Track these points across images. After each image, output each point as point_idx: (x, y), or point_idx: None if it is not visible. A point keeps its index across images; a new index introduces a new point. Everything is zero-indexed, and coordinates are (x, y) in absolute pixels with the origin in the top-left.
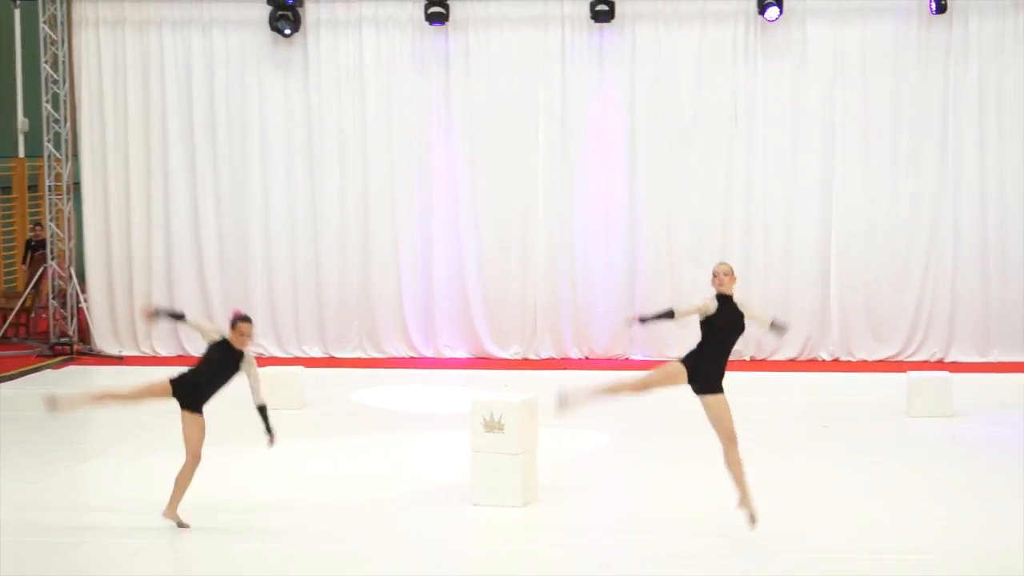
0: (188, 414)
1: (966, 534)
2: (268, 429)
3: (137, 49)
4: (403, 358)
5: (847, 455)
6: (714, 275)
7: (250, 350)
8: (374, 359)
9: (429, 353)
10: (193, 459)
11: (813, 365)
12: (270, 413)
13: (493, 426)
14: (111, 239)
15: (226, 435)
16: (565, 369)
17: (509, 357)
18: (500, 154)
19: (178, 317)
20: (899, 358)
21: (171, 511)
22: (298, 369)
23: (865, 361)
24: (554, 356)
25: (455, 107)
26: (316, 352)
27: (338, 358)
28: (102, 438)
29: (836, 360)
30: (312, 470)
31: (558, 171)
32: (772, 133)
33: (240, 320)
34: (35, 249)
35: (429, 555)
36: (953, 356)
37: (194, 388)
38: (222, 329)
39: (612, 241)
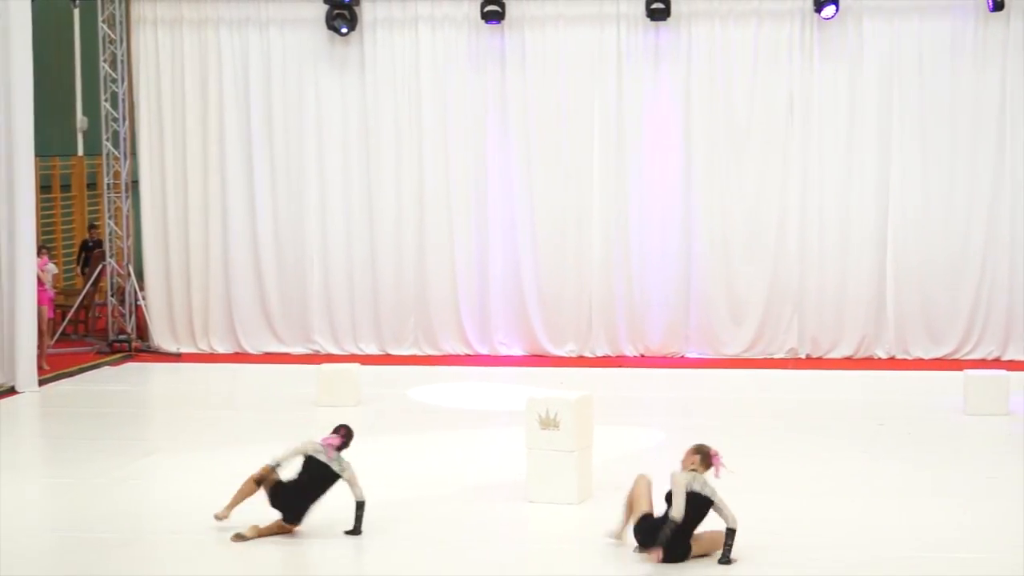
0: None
1: (1022, 535)
2: (357, 525)
3: (195, 48)
4: (459, 355)
5: (903, 453)
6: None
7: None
8: (430, 356)
9: (484, 351)
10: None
11: (869, 363)
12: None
13: (548, 423)
14: (169, 237)
15: (281, 433)
16: (621, 367)
17: (564, 354)
18: (556, 152)
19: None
20: (955, 356)
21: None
22: (354, 366)
23: (921, 359)
24: (609, 353)
25: (511, 106)
26: (372, 349)
27: (394, 355)
28: (161, 434)
29: (892, 358)
30: (367, 467)
31: (613, 169)
32: (828, 131)
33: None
34: (91, 249)
35: (484, 552)
36: (1011, 354)
37: (292, 499)
38: (314, 443)
39: (667, 238)
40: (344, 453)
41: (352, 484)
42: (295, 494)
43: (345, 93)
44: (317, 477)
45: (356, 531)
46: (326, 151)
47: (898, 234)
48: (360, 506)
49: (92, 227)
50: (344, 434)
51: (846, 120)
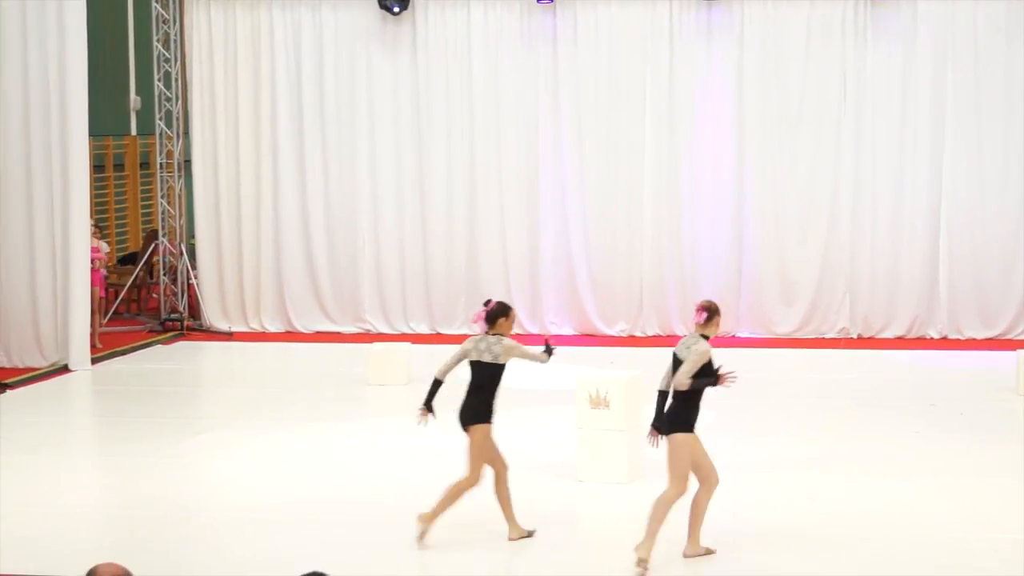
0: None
1: None
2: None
3: (247, 27)
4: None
5: (956, 434)
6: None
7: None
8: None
9: (535, 330)
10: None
11: (921, 343)
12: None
13: (599, 403)
14: (221, 216)
15: (332, 412)
16: (672, 347)
17: (615, 334)
18: (607, 132)
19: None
20: (1008, 336)
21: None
22: (405, 345)
23: (974, 339)
24: (660, 333)
25: (562, 85)
26: (423, 329)
27: (445, 335)
28: (213, 413)
29: (944, 338)
30: (418, 445)
31: (665, 149)
32: (881, 111)
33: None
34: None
35: (537, 530)
36: None
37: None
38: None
39: (719, 219)
40: (490, 338)
41: (525, 357)
42: (473, 401)
43: (397, 73)
44: (487, 376)
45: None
46: (377, 131)
47: (951, 215)
48: (549, 351)
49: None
50: (490, 307)
51: (899, 101)
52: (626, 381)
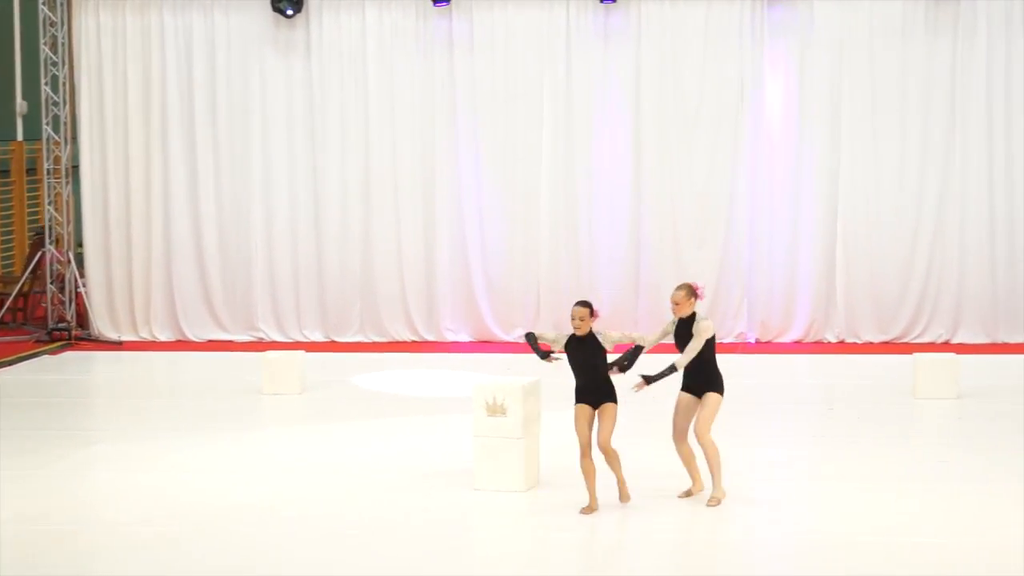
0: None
1: (974, 518)
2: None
3: (137, 31)
4: (405, 342)
5: (853, 437)
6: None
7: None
8: (375, 343)
9: (431, 337)
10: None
11: (818, 347)
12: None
13: (495, 410)
14: (109, 223)
15: (217, 422)
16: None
17: (512, 340)
18: (504, 136)
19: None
20: (905, 340)
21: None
22: (299, 353)
23: (871, 343)
24: None
25: (459, 89)
26: (317, 336)
27: (339, 342)
28: (104, 424)
29: (842, 342)
30: (312, 455)
31: (562, 153)
32: (777, 113)
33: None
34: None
35: (429, 540)
36: (960, 337)
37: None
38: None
39: (616, 222)
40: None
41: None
42: (586, 380)
43: (290, 77)
44: (588, 353)
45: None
46: (271, 135)
47: (848, 219)
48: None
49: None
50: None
51: (796, 103)
52: (523, 388)
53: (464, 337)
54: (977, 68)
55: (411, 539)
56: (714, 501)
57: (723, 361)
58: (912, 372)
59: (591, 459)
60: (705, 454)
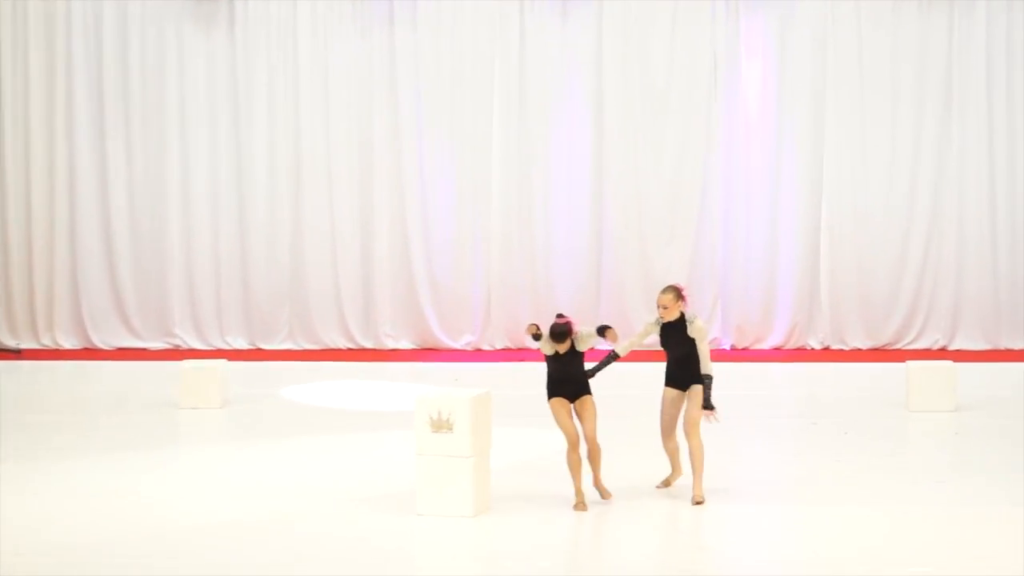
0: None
1: (972, 545)
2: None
3: (40, 8)
4: (340, 350)
5: (839, 455)
6: (657, 306)
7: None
8: (307, 351)
9: (369, 344)
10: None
11: (801, 354)
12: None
13: (441, 425)
14: (8, 219)
15: (128, 440)
16: (523, 361)
17: (460, 347)
18: (450, 120)
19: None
20: (897, 346)
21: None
22: (220, 363)
23: (859, 349)
24: (510, 346)
25: (400, 70)
26: (241, 343)
27: (266, 350)
28: (1, 442)
29: (827, 348)
30: (234, 478)
31: (515, 139)
32: (756, 95)
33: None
34: None
35: (367, 572)
36: (958, 343)
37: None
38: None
39: (576, 216)
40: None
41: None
42: (563, 376)
43: (212, 56)
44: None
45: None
46: (189, 120)
47: (833, 213)
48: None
49: None
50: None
51: (775, 83)
52: (472, 401)
53: (406, 344)
54: (976, 44)
55: (345, 572)
56: (697, 501)
57: None
58: (905, 382)
59: (579, 453)
60: (691, 452)
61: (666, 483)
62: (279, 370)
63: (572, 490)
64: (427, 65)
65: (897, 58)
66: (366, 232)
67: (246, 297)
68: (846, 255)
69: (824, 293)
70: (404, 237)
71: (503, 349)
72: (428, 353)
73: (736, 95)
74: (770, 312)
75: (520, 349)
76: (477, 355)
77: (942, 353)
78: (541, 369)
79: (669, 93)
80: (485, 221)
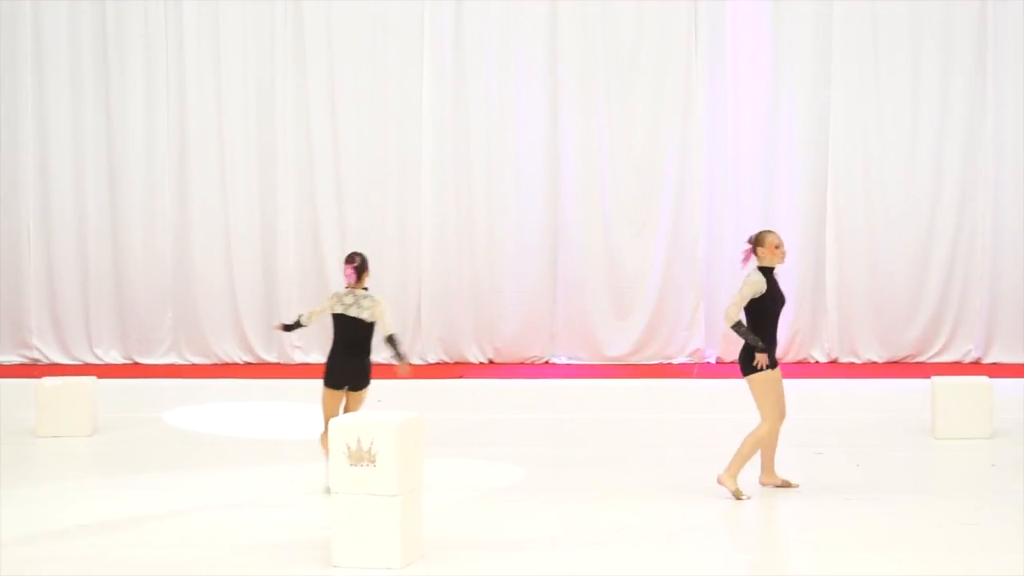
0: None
1: None
2: (399, 354)
3: None
4: (236, 364)
5: (849, 492)
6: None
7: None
8: (195, 366)
9: (272, 358)
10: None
11: (803, 369)
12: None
13: (361, 457)
14: None
15: None
16: (462, 377)
17: (383, 362)
18: (370, 86)
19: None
20: (919, 359)
21: None
22: (89, 381)
23: (873, 363)
24: (446, 360)
25: (308, 26)
26: (114, 357)
27: (144, 365)
28: None
29: (834, 362)
30: (106, 522)
31: (450, 109)
32: (745, 58)
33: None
34: None
35: None
36: (994, 356)
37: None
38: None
39: (525, 202)
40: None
41: (379, 322)
42: (343, 361)
43: (75, 13)
44: (351, 337)
45: (402, 357)
46: (48, 88)
47: (840, 195)
48: (390, 339)
49: None
50: (357, 261)
51: (769, 44)
52: (398, 427)
53: (317, 358)
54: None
55: None
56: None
57: (673, 387)
58: (930, 403)
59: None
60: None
61: (785, 484)
62: (161, 389)
63: (514, 532)
64: (339, 20)
65: (919, 14)
66: (267, 222)
67: (119, 300)
68: (856, 250)
69: (830, 295)
70: (314, 228)
71: (437, 363)
72: None
73: (720, 57)
74: None
75: (458, 363)
76: (406, 372)
77: (975, 367)
78: (488, 387)
79: (638, 54)
80: (414, 209)
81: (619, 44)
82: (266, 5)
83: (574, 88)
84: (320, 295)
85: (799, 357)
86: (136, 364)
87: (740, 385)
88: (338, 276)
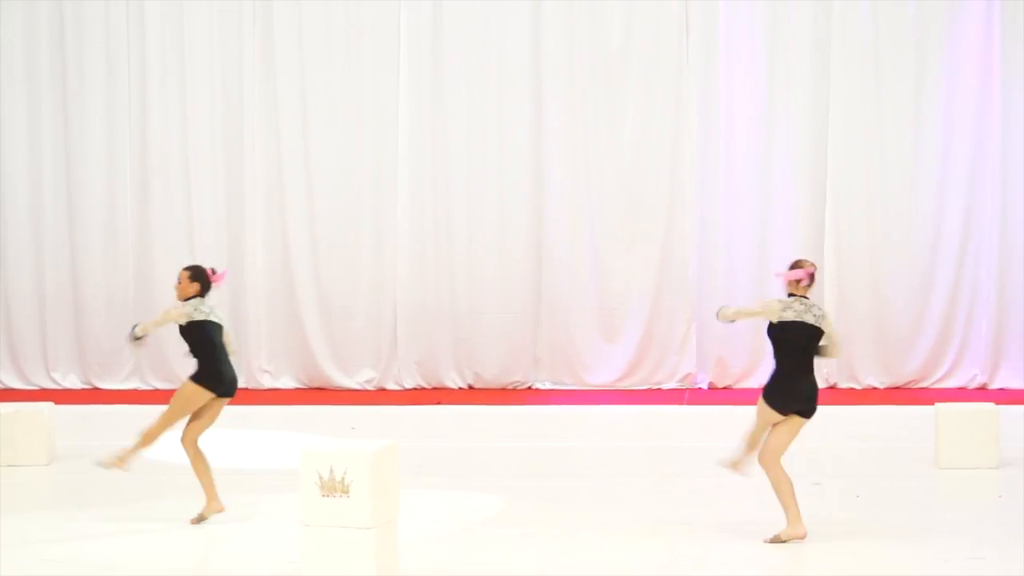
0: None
1: None
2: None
3: None
4: None
5: (849, 526)
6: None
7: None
8: (158, 391)
9: (240, 383)
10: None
11: None
12: None
13: (334, 488)
14: None
15: None
16: (440, 403)
17: (358, 387)
18: (343, 90)
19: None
20: (923, 384)
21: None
22: (46, 407)
23: (874, 389)
24: (424, 385)
25: (277, 24)
26: (73, 382)
27: (105, 390)
28: None
29: (833, 387)
30: (65, 559)
31: (428, 118)
32: (740, 60)
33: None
34: None
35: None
36: (1002, 381)
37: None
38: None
39: (507, 216)
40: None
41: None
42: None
43: (30, 11)
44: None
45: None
46: (1, 92)
47: (840, 207)
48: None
49: None
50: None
51: (764, 45)
52: (373, 456)
53: (287, 383)
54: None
55: None
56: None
57: (661, 414)
58: (934, 431)
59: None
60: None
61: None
62: (122, 415)
63: (494, 568)
64: (312, 19)
65: (923, 15)
66: (234, 237)
67: (78, 321)
68: (857, 268)
69: (829, 316)
70: (284, 245)
71: (414, 389)
72: (316, 394)
73: (713, 60)
74: (758, 341)
75: (436, 389)
76: (380, 396)
77: (981, 393)
78: (467, 413)
79: (627, 56)
80: (390, 225)
81: (606, 49)
82: (234, 5)
83: (558, 97)
84: (291, 314)
85: None
86: (96, 389)
87: (733, 412)
88: (308, 295)
